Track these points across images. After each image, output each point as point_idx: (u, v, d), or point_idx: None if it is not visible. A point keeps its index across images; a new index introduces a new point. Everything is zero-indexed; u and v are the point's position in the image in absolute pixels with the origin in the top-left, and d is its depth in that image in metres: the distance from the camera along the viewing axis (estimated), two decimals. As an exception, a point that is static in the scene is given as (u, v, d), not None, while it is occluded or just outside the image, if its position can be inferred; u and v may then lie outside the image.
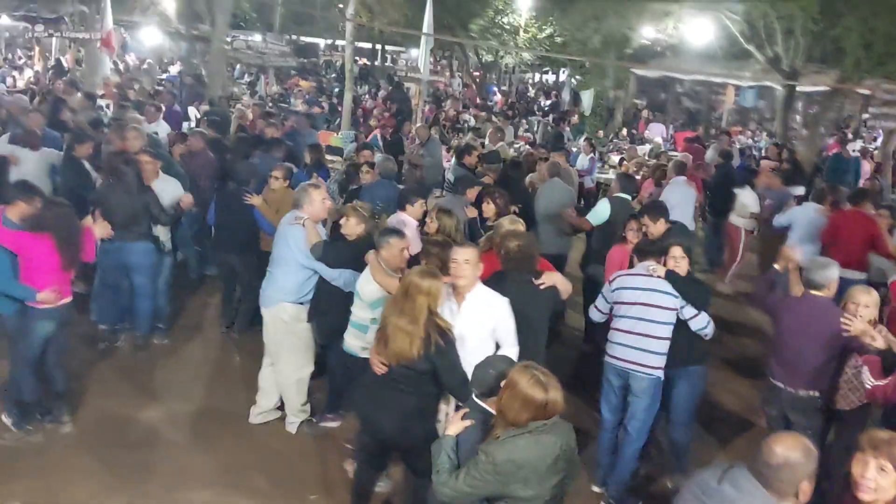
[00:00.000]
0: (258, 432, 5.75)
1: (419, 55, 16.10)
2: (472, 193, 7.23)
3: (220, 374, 6.68)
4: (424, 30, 15.06)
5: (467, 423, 3.47)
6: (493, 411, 3.42)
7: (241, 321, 7.32)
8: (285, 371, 5.70)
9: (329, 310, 5.51)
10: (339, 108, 19.01)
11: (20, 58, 26.49)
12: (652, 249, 5.26)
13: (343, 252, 5.38)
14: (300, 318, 5.62)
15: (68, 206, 5.34)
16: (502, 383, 3.35)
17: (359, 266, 5.18)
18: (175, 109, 13.38)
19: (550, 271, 5.08)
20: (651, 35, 20.62)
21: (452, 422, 3.53)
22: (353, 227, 5.44)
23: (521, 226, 5.45)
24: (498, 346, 4.47)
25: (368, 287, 4.93)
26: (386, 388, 4.17)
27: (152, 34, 25.93)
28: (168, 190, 6.98)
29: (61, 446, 5.32)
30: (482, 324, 4.42)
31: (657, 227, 6.10)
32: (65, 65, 23.27)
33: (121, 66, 24.02)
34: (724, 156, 11.97)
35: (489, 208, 6.61)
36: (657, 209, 6.28)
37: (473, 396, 3.60)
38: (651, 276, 5.05)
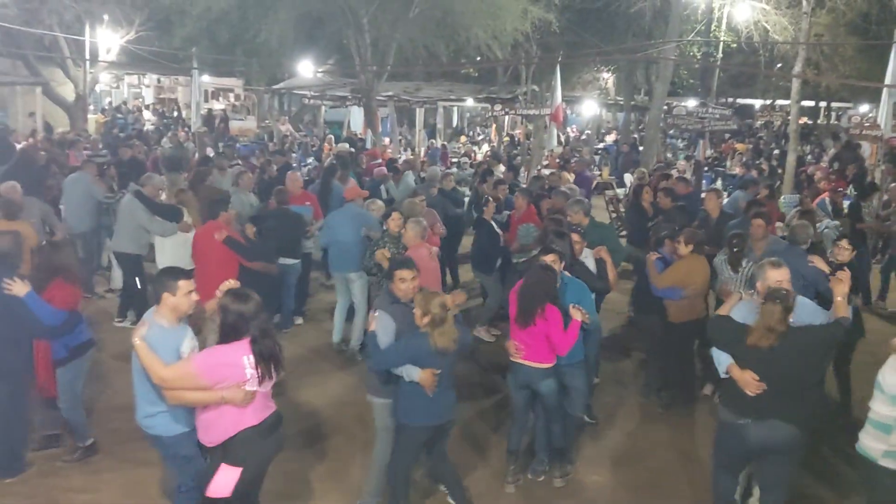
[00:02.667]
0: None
1: (880, 109, 14.43)
2: None
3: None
4: (888, 81, 13.51)
5: None
6: None
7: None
8: None
9: None
10: (780, 171, 17.92)
11: (479, 134, 30.42)
12: None
13: None
14: None
15: None
16: None
17: None
18: (585, 175, 14.38)
19: None
20: None
21: None
22: None
23: None
24: None
25: (893, 378, 4.01)
26: None
27: (590, 107, 27.67)
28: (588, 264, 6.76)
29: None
30: None
31: None
32: (516, 139, 26.03)
33: (562, 139, 26.05)
34: None
35: None
36: None
37: None
38: None
